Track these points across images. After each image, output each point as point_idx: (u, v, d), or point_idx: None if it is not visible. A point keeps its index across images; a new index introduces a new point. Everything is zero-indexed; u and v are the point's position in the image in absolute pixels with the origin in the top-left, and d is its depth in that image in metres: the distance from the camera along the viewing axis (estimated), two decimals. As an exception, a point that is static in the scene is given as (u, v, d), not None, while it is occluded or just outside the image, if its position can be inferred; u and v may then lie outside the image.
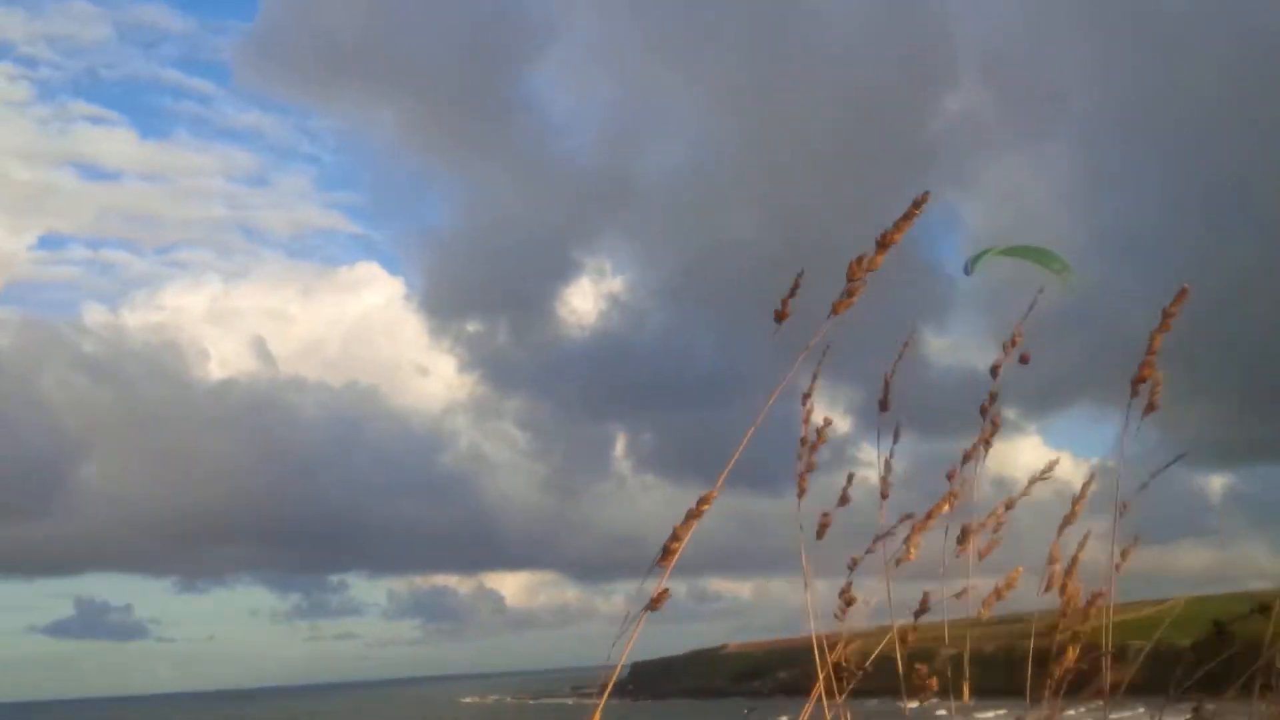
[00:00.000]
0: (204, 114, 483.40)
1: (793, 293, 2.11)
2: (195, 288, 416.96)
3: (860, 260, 2.02)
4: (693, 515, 1.85)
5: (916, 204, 2.01)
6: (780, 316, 2.10)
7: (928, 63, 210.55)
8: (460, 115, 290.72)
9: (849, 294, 2.06)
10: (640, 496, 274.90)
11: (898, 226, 2.02)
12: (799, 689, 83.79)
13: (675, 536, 1.84)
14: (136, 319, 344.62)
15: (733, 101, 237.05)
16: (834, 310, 2.08)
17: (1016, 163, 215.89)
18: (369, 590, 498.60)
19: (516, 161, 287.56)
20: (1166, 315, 2.08)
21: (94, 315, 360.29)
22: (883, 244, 2.04)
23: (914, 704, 2.14)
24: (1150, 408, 2.10)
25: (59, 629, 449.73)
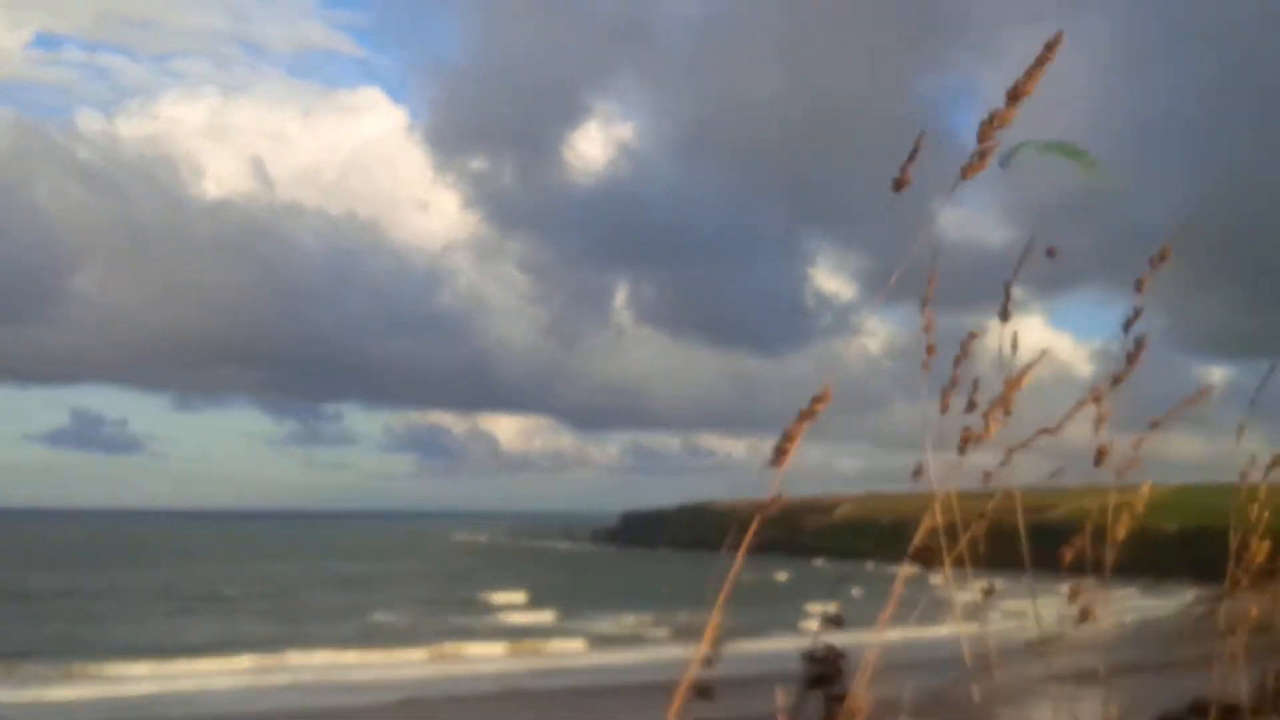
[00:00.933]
0: None
1: (912, 157, 1.97)
2: (192, 99, 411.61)
3: (992, 119, 1.92)
4: (805, 415, 1.78)
5: (1049, 46, 1.91)
6: (900, 185, 1.95)
7: None
8: None
9: (981, 155, 1.96)
10: (638, 348, 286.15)
11: (1030, 75, 1.92)
12: (783, 547, 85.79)
13: (788, 437, 1.77)
14: (131, 128, 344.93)
15: None
16: (963, 175, 1.97)
17: (1046, 34, 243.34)
18: (364, 422, 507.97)
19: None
20: (1014, 96, 1.99)
21: (88, 121, 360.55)
22: (1014, 95, 1.93)
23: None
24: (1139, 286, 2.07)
25: (54, 439, 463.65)
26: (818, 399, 1.79)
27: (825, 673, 1.77)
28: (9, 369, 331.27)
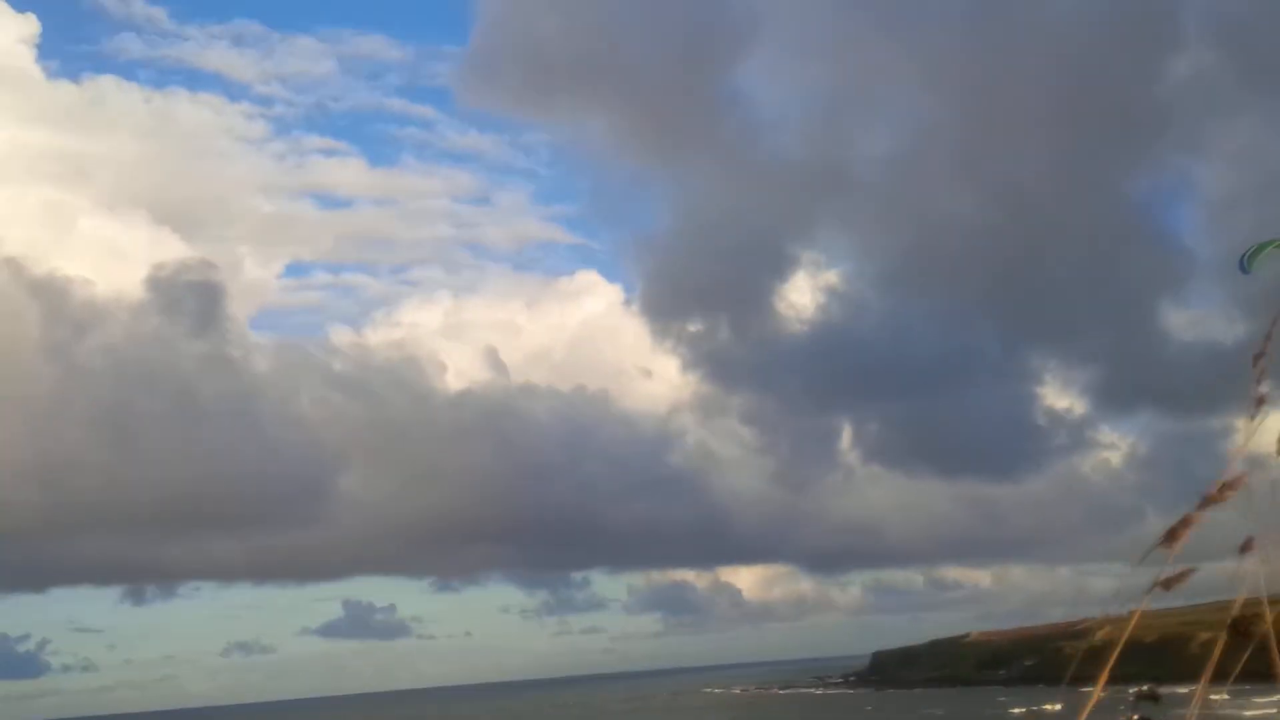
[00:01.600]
0: (426, 138, 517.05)
1: (1262, 377, 1.91)
2: (429, 304, 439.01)
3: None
4: (1211, 499, 1.80)
5: None
6: (1260, 402, 1.87)
7: (1151, 25, 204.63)
8: (670, 118, 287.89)
9: (1259, 402, 1.81)
10: (868, 487, 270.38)
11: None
12: (1043, 676, 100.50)
13: (1185, 522, 1.80)
14: (378, 336, 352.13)
15: (942, 78, 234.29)
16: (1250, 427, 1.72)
17: (1252, 123, 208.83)
18: (610, 586, 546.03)
19: (728, 160, 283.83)
20: None
21: (340, 335, 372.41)
22: None
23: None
24: None
25: (329, 630, 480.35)
26: (1228, 484, 1.71)
27: None
28: (287, 569, 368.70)
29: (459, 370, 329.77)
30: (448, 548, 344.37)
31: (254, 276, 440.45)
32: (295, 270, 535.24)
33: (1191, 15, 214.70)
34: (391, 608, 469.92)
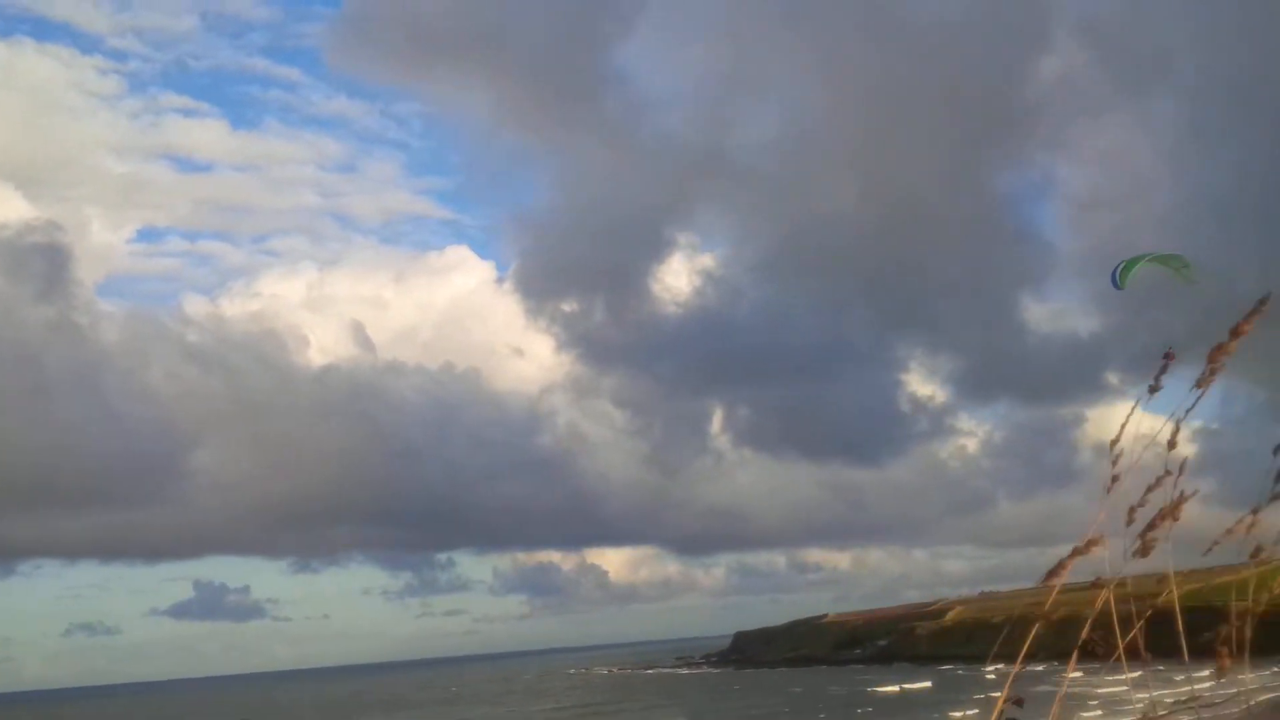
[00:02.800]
0: (292, 102, 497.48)
1: (1164, 370, 2.18)
2: (291, 275, 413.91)
3: (1220, 348, 2.08)
4: (1078, 551, 2.06)
5: (1261, 303, 2.07)
6: (1153, 390, 2.15)
7: (1023, 27, 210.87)
8: (552, 92, 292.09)
9: (1211, 373, 2.11)
10: (738, 470, 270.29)
11: (1248, 319, 2.08)
12: (896, 656, 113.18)
13: (1058, 570, 2.05)
14: (236, 308, 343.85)
15: (826, 71, 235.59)
16: (1198, 385, 2.11)
17: (1117, 123, 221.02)
18: (475, 567, 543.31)
19: (608, 138, 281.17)
20: (1235, 334, 2.14)
21: (194, 305, 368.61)
22: (1235, 333, 2.09)
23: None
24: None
25: (179, 611, 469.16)
26: (1092, 541, 2.00)
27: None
28: (136, 547, 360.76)
29: (322, 345, 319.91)
30: (307, 528, 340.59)
31: (103, 240, 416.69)
32: (148, 236, 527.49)
33: (1063, 16, 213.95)
34: (246, 589, 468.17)
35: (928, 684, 78.60)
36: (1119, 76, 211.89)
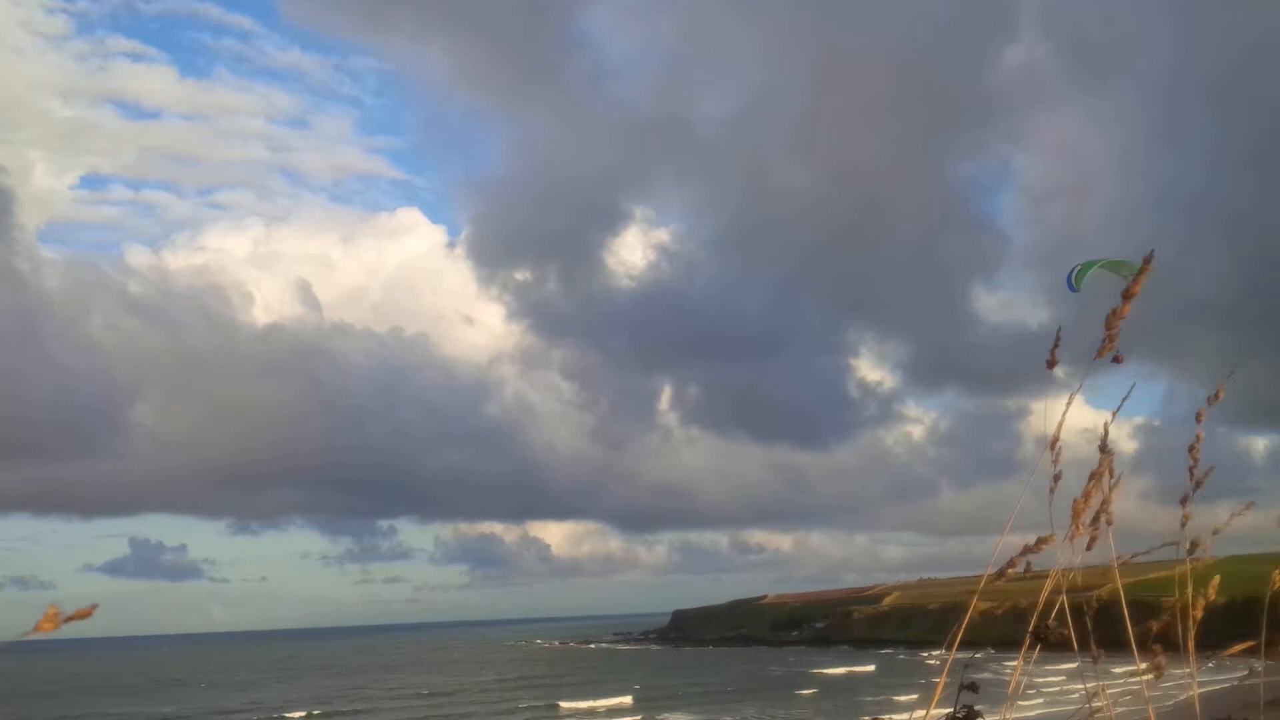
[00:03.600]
0: (244, 51, 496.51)
1: (1057, 344, 2.16)
2: (237, 230, 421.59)
3: (1114, 313, 2.11)
4: (1029, 549, 2.04)
5: (1146, 262, 2.11)
6: (1050, 365, 2.14)
7: (987, 15, 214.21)
8: (513, 56, 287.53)
9: (1110, 339, 2.14)
10: (684, 448, 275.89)
11: (1136, 279, 2.13)
12: (832, 638, 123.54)
13: (1010, 563, 2.08)
14: (180, 261, 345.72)
15: (790, 50, 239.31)
16: (1099, 354, 2.14)
17: (1075, 115, 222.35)
18: (417, 536, 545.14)
19: (568, 106, 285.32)
20: (1127, 296, 2.18)
21: (137, 256, 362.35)
22: (1127, 296, 2.13)
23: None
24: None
25: (114, 568, 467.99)
26: (1043, 540, 2.00)
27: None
28: (71, 503, 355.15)
29: (267, 303, 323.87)
30: (248, 489, 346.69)
31: (45, 186, 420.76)
32: (91, 183, 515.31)
33: (1026, 6, 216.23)
34: (183, 548, 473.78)
35: (871, 667, 79.75)
36: (1079, 68, 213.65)
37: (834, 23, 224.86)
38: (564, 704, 62.02)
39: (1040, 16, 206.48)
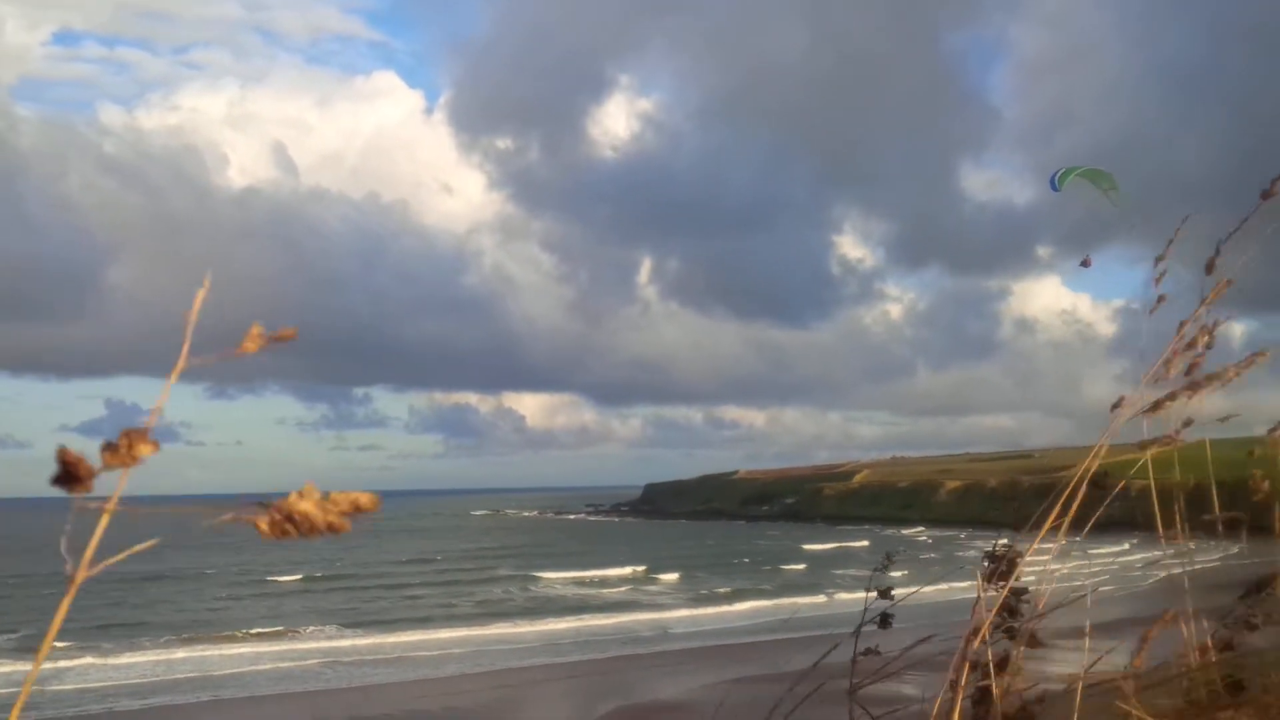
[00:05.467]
0: None
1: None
2: (212, 90, 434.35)
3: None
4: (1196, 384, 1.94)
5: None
6: (1267, 195, 1.91)
7: None
8: None
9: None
10: (663, 323, 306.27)
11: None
12: (801, 514, 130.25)
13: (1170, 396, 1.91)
14: (154, 121, 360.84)
15: None
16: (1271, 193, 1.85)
17: None
18: (393, 404, 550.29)
19: None
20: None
21: (111, 116, 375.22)
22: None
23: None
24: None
25: (90, 429, 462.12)
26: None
27: (1004, 568, 1.89)
28: (48, 363, 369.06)
29: (243, 166, 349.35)
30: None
31: (17, 41, 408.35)
32: (64, 39, 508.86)
33: None
34: (160, 412, 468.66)
35: (865, 543, 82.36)
36: None
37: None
38: (544, 574, 63.02)
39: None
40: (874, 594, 2.12)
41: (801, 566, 67.51)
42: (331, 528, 0.97)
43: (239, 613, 47.60)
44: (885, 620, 2.10)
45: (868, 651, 2.03)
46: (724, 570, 64.88)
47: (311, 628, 41.57)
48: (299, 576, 63.30)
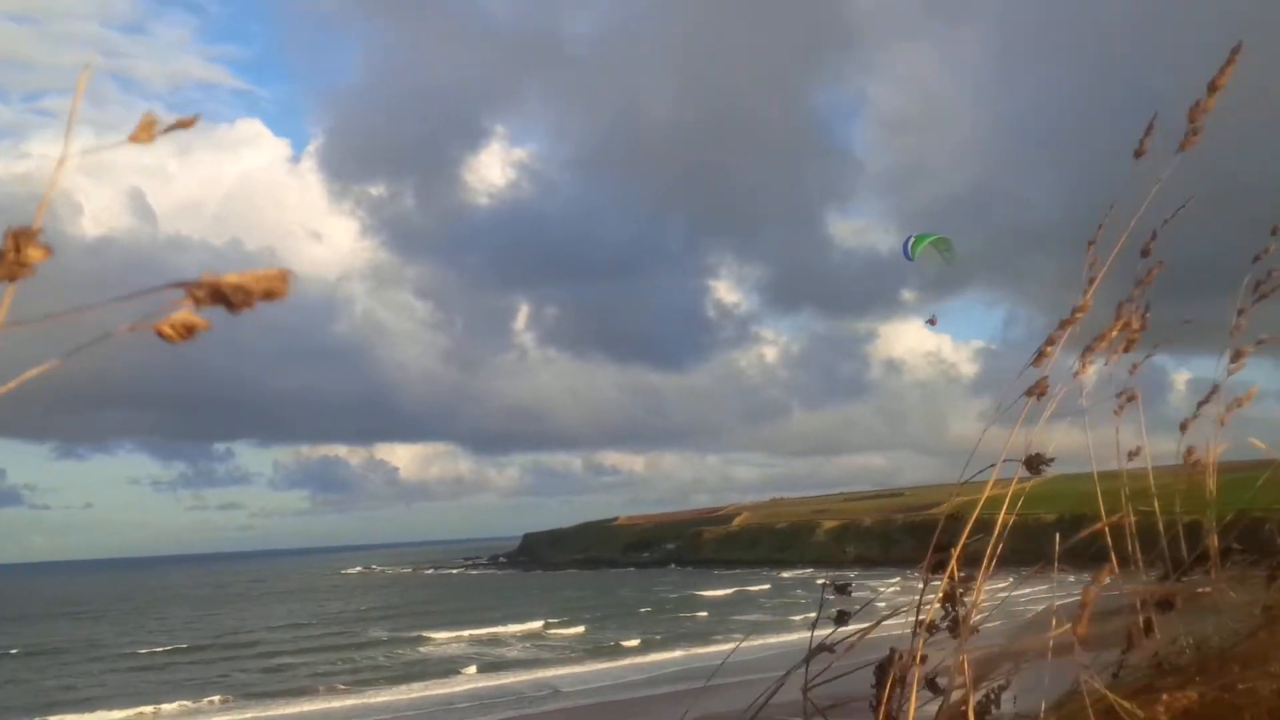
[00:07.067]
0: None
1: (1149, 132, 2.13)
2: (65, 137, 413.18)
3: (1198, 104, 2.06)
4: (1066, 323, 2.03)
5: (1234, 52, 2.07)
6: (1139, 154, 2.11)
7: None
8: None
9: (1193, 132, 2.10)
10: (541, 369, 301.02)
11: (1223, 71, 2.06)
12: (683, 559, 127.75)
13: (1050, 341, 2.02)
14: (3, 168, 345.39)
15: None
16: (1182, 147, 2.10)
17: (928, 49, 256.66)
18: (256, 459, 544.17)
19: (431, 15, 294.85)
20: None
21: None
22: (1212, 88, 2.08)
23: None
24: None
25: None
26: (1078, 308, 1.96)
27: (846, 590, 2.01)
28: None
29: (97, 215, 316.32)
30: (74, 410, 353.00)
31: None
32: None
33: None
34: (1, 473, 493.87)
35: (765, 586, 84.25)
36: (932, 5, 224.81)
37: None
38: (434, 634, 61.26)
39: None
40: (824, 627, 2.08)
41: (704, 614, 67.97)
42: (270, 295, 0.91)
43: (97, 690, 44.77)
44: (843, 589, 2.12)
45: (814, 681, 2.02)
46: (626, 621, 64.70)
47: (178, 703, 39.71)
48: (163, 649, 60.77)
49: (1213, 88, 2.12)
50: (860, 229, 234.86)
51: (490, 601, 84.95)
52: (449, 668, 45.87)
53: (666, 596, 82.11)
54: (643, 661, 44.35)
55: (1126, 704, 1.90)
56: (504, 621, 64.69)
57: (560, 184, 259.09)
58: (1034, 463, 1.96)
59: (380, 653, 54.63)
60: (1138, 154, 2.13)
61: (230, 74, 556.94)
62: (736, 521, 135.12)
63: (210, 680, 45.59)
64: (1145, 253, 2.24)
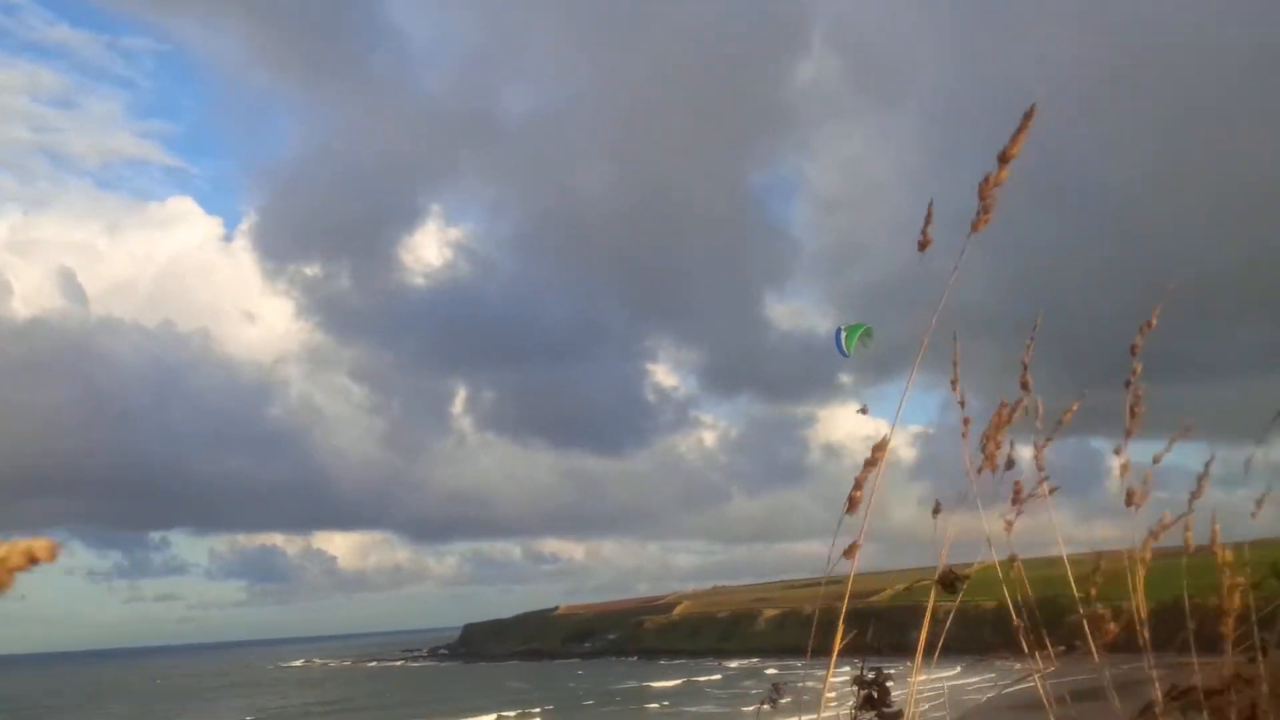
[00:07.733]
0: (6, 25, 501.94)
1: (928, 221, 2.12)
2: None
3: (988, 179, 2.07)
4: (870, 463, 1.99)
5: (1027, 116, 2.04)
6: (922, 246, 2.09)
7: (783, 27, 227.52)
8: (311, 38, 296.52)
9: (984, 210, 2.11)
10: (479, 454, 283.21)
11: (1015, 140, 2.05)
12: (624, 649, 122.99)
13: (857, 485, 1.97)
14: None
15: (593, 54, 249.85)
16: (974, 229, 2.11)
17: (862, 130, 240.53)
18: (192, 549, 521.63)
19: (367, 94, 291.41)
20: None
21: None
22: (1004, 159, 2.08)
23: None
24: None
25: None
26: (878, 446, 1.97)
27: (876, 693, 1.96)
28: None
29: (27, 295, 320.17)
30: (3, 498, 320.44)
31: None
32: None
33: (819, 24, 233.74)
34: None
35: (716, 676, 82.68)
36: (867, 86, 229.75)
37: (637, 30, 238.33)
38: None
39: (831, 33, 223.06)
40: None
41: (655, 705, 66.74)
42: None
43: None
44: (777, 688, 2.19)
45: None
46: (576, 715, 63.24)
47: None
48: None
49: (1004, 158, 2.09)
50: (797, 310, 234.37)
51: (437, 695, 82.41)
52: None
53: (615, 688, 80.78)
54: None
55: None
56: (456, 715, 62.73)
57: (497, 263, 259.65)
58: (948, 580, 1.96)
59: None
60: (922, 246, 2.13)
61: (161, 150, 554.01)
62: (677, 610, 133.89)
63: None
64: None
